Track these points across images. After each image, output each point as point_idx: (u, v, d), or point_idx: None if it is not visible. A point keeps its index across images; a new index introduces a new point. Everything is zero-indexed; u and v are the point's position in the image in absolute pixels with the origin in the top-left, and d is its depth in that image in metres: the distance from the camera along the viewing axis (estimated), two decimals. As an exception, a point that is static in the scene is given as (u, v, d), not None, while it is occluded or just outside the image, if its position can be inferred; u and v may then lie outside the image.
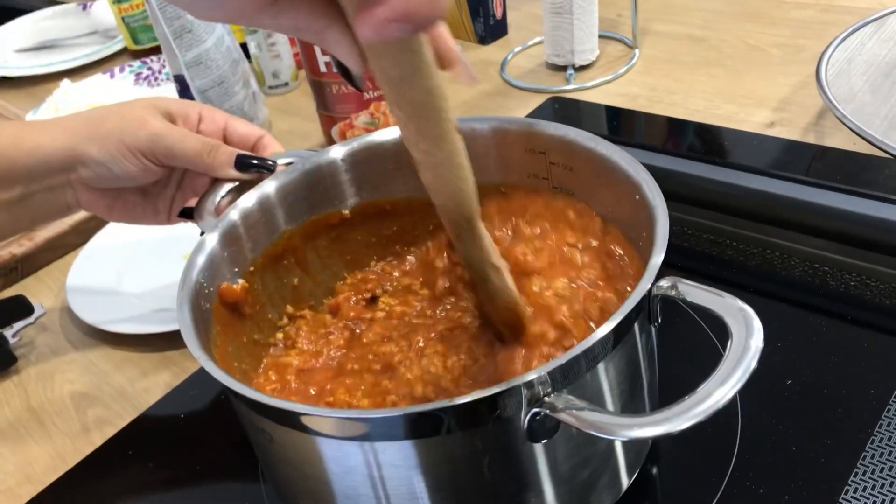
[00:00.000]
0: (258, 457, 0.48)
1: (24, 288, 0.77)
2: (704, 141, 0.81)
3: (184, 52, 0.83)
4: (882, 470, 0.46)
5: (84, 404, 0.64)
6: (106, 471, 0.57)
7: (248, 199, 0.52)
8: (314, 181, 0.55)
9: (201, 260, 0.47)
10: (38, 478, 0.58)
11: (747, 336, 0.37)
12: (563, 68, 0.96)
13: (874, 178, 0.70)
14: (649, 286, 0.40)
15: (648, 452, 0.49)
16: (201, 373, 0.63)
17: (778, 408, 0.51)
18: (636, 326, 0.41)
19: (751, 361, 0.36)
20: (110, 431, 0.60)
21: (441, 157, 0.37)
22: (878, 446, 0.48)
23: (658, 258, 0.41)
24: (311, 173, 0.54)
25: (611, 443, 0.44)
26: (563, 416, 0.36)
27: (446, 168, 0.38)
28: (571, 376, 0.38)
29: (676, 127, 0.83)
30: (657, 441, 0.50)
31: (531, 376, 0.36)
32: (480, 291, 0.46)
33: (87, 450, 0.59)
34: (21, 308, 0.67)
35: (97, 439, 0.60)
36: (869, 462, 0.47)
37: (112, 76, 1.16)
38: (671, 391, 0.46)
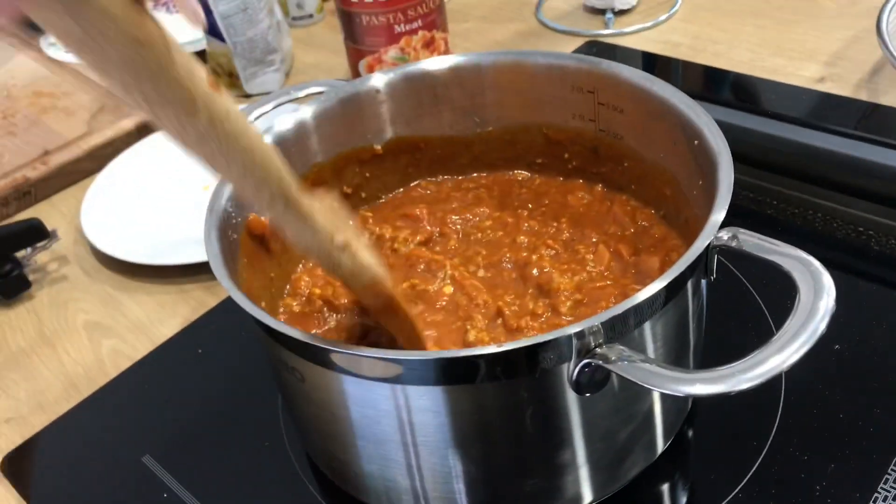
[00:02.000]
0: (283, 398, 0.46)
1: (38, 213, 0.75)
2: (748, 93, 0.77)
3: (208, -26, 0.79)
4: (933, 443, 0.44)
5: (98, 334, 0.62)
6: (120, 404, 0.56)
7: (284, 123, 0.49)
8: (350, 111, 0.52)
9: (230, 187, 0.44)
10: (50, 407, 0.56)
11: (816, 295, 0.34)
12: (602, 12, 0.92)
13: (930, 139, 0.66)
14: (710, 238, 0.37)
15: (686, 415, 0.47)
16: (220, 308, 0.60)
17: (824, 373, 0.49)
18: (690, 282, 0.39)
19: (819, 325, 0.33)
20: (125, 364, 0.58)
21: (203, 128, 0.31)
22: (929, 418, 0.46)
23: (721, 211, 0.38)
24: (349, 102, 0.51)
25: (652, 402, 0.42)
26: (616, 368, 0.34)
27: (214, 139, 0.31)
28: (622, 329, 0.36)
29: (718, 77, 0.79)
30: (697, 403, 0.48)
31: (581, 326, 0.34)
32: (342, 284, 0.41)
33: (101, 381, 0.57)
34: (36, 232, 0.65)
35: (111, 370, 0.58)
36: (919, 434, 0.45)
37: (130, 0, 1.11)
38: (715, 353, 0.44)
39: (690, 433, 0.48)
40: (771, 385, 0.48)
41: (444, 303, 0.48)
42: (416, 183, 0.58)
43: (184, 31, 0.99)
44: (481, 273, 0.50)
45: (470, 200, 0.57)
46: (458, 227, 0.54)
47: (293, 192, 0.35)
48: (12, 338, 0.63)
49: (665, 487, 0.46)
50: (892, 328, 0.52)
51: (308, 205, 0.35)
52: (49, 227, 0.66)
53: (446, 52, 0.81)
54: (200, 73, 0.30)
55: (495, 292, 0.48)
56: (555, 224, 0.53)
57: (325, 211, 0.36)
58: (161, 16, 1.09)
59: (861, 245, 0.59)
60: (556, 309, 0.45)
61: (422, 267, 0.51)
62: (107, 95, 0.87)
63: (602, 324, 0.34)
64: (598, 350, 0.34)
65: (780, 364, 0.33)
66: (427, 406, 0.37)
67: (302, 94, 0.52)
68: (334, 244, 0.37)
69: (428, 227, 0.54)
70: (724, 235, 0.38)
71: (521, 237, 0.52)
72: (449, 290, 0.49)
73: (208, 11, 0.82)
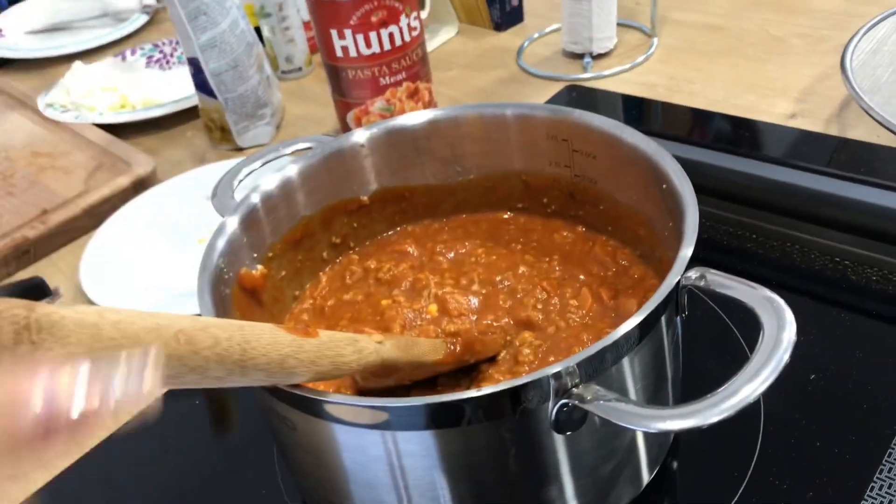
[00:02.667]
0: (278, 446, 0.48)
1: (38, 271, 0.76)
2: (723, 131, 0.80)
3: (198, 34, 0.82)
4: (908, 467, 0.46)
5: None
6: (117, 452, 0.57)
7: (270, 182, 0.51)
8: (335, 165, 0.54)
9: (221, 244, 0.46)
10: (49, 462, 0.57)
11: (779, 329, 0.36)
12: (581, 56, 0.95)
13: (898, 170, 0.69)
14: (678, 277, 0.39)
15: (669, 447, 0.49)
16: (216, 358, 0.62)
17: (801, 402, 0.51)
18: (663, 319, 0.41)
19: (783, 355, 0.35)
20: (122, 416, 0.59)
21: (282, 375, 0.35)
22: (904, 443, 0.47)
23: (688, 249, 0.40)
24: (332, 158, 0.54)
25: (634, 436, 0.43)
26: (591, 407, 0.35)
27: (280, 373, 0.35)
28: (598, 368, 0.38)
29: (695, 116, 0.82)
30: (679, 435, 0.49)
31: (558, 367, 0.36)
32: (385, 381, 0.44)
33: (102, 432, 0.58)
34: (39, 290, 0.67)
35: (110, 423, 0.59)
36: (895, 458, 0.46)
37: (123, 59, 1.15)
38: (694, 385, 0.45)
39: (674, 464, 0.49)
40: (750, 415, 0.50)
41: (426, 317, 0.50)
42: (402, 227, 0.60)
43: (177, 87, 1.02)
44: (475, 287, 0.52)
45: (459, 235, 0.59)
46: (450, 256, 0.56)
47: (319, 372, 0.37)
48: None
49: (652, 520, 0.47)
50: (867, 356, 0.53)
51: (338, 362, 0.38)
52: (50, 286, 0.68)
53: (431, 101, 0.84)
54: (283, 337, 0.34)
55: (482, 317, 0.50)
56: (547, 259, 0.55)
57: (337, 350, 0.38)
58: (154, 72, 1.12)
59: (838, 275, 0.61)
60: (516, 358, 0.47)
61: (405, 285, 0.53)
62: (102, 154, 0.90)
63: (578, 364, 0.36)
64: (574, 390, 0.36)
65: (748, 396, 0.34)
66: (416, 450, 0.39)
67: (289, 150, 0.54)
68: (353, 369, 0.39)
69: (416, 256, 0.56)
70: (693, 275, 0.40)
71: (523, 268, 0.54)
72: (433, 309, 0.51)
73: (199, 69, 0.85)
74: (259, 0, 0.98)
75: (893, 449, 0.47)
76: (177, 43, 1.14)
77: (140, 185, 0.84)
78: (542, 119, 0.53)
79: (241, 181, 0.53)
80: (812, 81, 0.83)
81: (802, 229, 0.66)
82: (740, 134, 0.78)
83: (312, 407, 0.38)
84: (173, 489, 0.53)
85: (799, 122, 0.77)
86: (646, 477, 0.46)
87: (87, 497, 0.54)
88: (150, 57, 1.15)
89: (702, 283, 0.40)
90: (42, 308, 0.24)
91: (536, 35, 1.03)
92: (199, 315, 0.41)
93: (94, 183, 0.85)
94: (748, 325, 0.56)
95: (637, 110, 0.85)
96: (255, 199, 0.50)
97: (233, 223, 0.48)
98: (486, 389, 0.36)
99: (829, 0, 0.98)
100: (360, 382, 0.45)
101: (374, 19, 0.75)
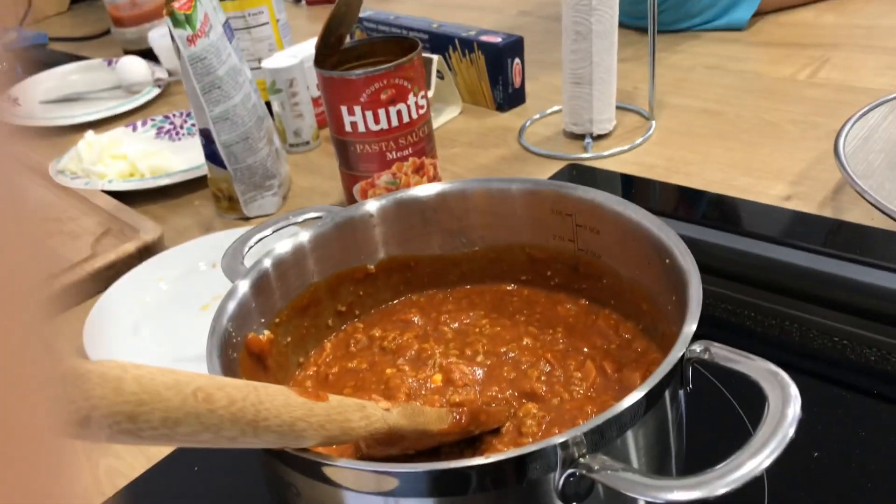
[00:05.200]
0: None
1: (39, 334, 0.77)
2: (721, 211, 0.82)
3: (211, 107, 0.85)
4: (914, 548, 0.45)
5: (96, 453, 0.63)
6: (115, 523, 0.56)
7: (283, 248, 0.52)
8: (345, 234, 0.55)
9: (232, 307, 0.47)
10: None
11: (784, 403, 0.37)
12: (581, 137, 0.98)
13: (892, 251, 0.70)
14: (683, 351, 0.40)
15: (673, 522, 0.48)
16: (216, 425, 0.62)
17: (805, 480, 0.50)
18: (668, 392, 0.41)
19: (788, 429, 0.35)
20: (121, 482, 0.59)
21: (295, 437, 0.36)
22: (909, 524, 0.47)
23: (693, 323, 0.41)
24: (343, 226, 0.55)
25: (638, 508, 0.43)
26: (599, 477, 0.35)
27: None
28: (604, 439, 0.38)
29: (692, 196, 0.84)
30: (683, 508, 0.49)
31: (566, 437, 0.36)
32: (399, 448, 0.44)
33: (97, 501, 0.58)
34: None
35: (108, 490, 0.59)
36: (900, 540, 0.46)
37: (134, 129, 1.18)
38: (697, 459, 0.45)
39: (678, 542, 0.49)
40: (754, 491, 0.50)
41: (430, 387, 0.50)
42: (407, 297, 0.61)
43: (186, 157, 1.05)
44: (480, 358, 0.53)
45: (464, 306, 0.59)
46: (455, 326, 0.57)
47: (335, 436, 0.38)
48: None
49: None
50: (869, 435, 0.53)
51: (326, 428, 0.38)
52: (51, 348, 0.68)
53: (436, 175, 0.86)
54: (295, 400, 0.35)
55: (487, 388, 0.50)
56: (550, 332, 0.55)
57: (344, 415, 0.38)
58: (164, 143, 1.15)
59: (837, 354, 0.61)
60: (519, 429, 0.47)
61: (410, 354, 0.53)
62: (110, 220, 0.91)
63: (584, 434, 0.36)
64: (581, 460, 0.36)
65: (753, 469, 0.34)
66: (420, 518, 0.38)
67: (300, 219, 0.56)
68: (360, 435, 0.39)
69: (421, 325, 0.57)
70: (697, 348, 0.41)
71: (527, 340, 0.54)
72: (438, 378, 0.51)
73: (211, 140, 0.87)
74: (270, 76, 1.01)
75: (899, 530, 0.47)
76: (187, 115, 1.17)
77: (146, 252, 0.85)
78: (548, 194, 0.55)
79: (250, 248, 0.54)
80: (806, 165, 0.85)
81: (801, 308, 0.67)
82: (737, 214, 0.80)
83: (318, 472, 0.38)
84: (168, 558, 0.52)
85: (794, 203, 0.79)
86: (649, 553, 0.46)
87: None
88: (160, 128, 1.18)
89: (706, 357, 0.40)
90: (69, 360, 0.25)
91: (538, 116, 1.06)
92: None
93: (101, 248, 0.86)
94: (751, 402, 0.56)
95: (636, 189, 0.88)
96: (268, 263, 0.51)
97: (244, 287, 0.49)
98: (494, 457, 0.36)
99: (819, 88, 1.02)
100: (365, 450, 0.44)
101: (383, 97, 0.78)
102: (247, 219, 0.92)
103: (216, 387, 0.30)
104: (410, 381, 0.51)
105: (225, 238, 0.83)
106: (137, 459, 0.61)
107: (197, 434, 0.29)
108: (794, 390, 0.37)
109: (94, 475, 0.60)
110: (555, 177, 0.91)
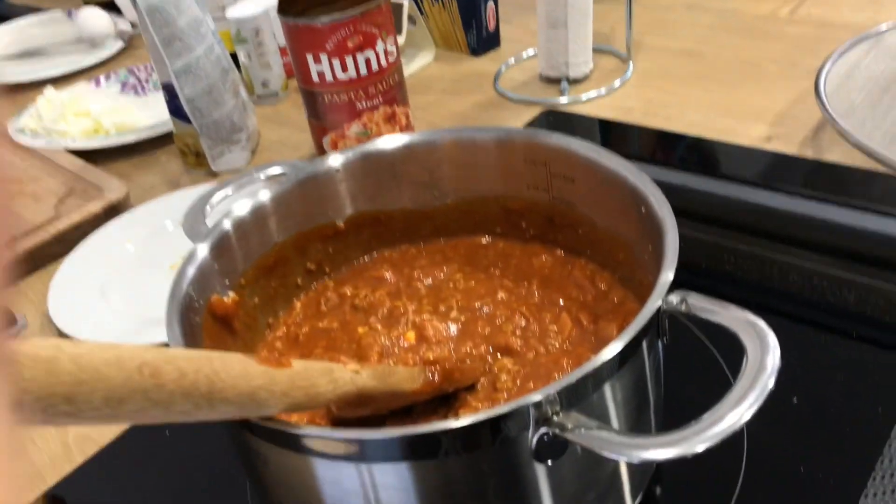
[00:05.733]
0: (250, 480, 0.46)
1: (4, 300, 0.74)
2: (700, 154, 0.80)
3: (173, 60, 0.81)
4: (893, 490, 0.45)
5: (65, 421, 0.61)
6: (87, 491, 0.55)
7: (242, 208, 0.50)
8: (309, 191, 0.53)
9: (191, 271, 0.45)
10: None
11: (763, 354, 0.35)
12: (557, 81, 0.95)
13: (873, 192, 0.69)
14: (659, 302, 0.39)
15: (653, 473, 0.48)
16: (188, 388, 0.60)
17: (784, 426, 0.50)
18: (644, 344, 0.40)
19: (768, 381, 0.34)
20: (92, 449, 0.58)
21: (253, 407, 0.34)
22: (888, 466, 0.46)
23: (669, 273, 0.39)
24: (307, 183, 0.53)
25: (617, 464, 0.42)
26: (573, 436, 0.34)
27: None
28: (579, 395, 0.37)
29: (671, 140, 0.82)
30: (662, 462, 0.48)
31: (538, 396, 0.35)
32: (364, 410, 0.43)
33: (68, 468, 0.56)
34: (4, 319, 0.65)
35: (78, 457, 0.57)
36: (879, 482, 0.46)
37: (98, 84, 1.14)
38: (676, 411, 0.45)
39: (658, 490, 0.48)
40: (733, 439, 0.49)
41: (403, 345, 0.49)
42: (379, 253, 0.59)
43: (152, 113, 1.01)
44: (454, 314, 0.51)
45: (437, 260, 0.58)
46: (428, 282, 0.55)
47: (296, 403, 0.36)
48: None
49: (637, 548, 0.46)
50: (848, 378, 0.53)
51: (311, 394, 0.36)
52: (17, 315, 0.66)
53: (408, 125, 0.83)
54: (254, 369, 0.33)
55: (461, 344, 0.49)
56: (526, 284, 0.54)
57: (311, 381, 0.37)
58: (129, 98, 1.11)
59: (817, 297, 0.61)
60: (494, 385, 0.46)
61: (383, 312, 0.52)
62: (74, 180, 0.88)
63: (558, 392, 0.35)
64: (555, 419, 0.35)
65: (733, 424, 0.34)
66: (392, 483, 0.37)
67: (263, 175, 0.53)
68: (328, 399, 0.38)
69: (393, 282, 0.55)
70: (674, 299, 0.39)
71: (502, 293, 0.53)
72: (411, 336, 0.50)
73: (174, 95, 0.84)
74: (235, 26, 0.97)
75: (877, 473, 0.46)
76: (152, 68, 1.13)
77: (112, 211, 0.83)
78: (521, 143, 0.53)
79: (213, 207, 0.52)
80: (787, 105, 0.84)
81: (780, 251, 0.66)
82: (716, 157, 0.78)
83: (285, 440, 0.37)
84: (142, 525, 0.51)
85: (774, 145, 0.78)
86: (629, 505, 0.45)
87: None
88: (124, 83, 1.14)
89: (683, 308, 0.39)
90: None
91: (513, 60, 1.03)
92: (167, 344, 0.39)
93: (65, 209, 0.83)
94: (730, 350, 0.56)
95: (614, 134, 0.86)
96: (227, 225, 0.49)
97: (203, 250, 0.47)
98: (464, 420, 0.34)
99: (800, 26, 1.00)
100: (336, 412, 0.43)
101: (350, 44, 0.75)
102: (215, 174, 0.89)
103: (164, 360, 0.28)
104: (383, 339, 0.50)
105: (192, 195, 0.80)
106: (108, 425, 0.60)
107: (145, 411, 0.28)
108: (772, 340, 0.36)
109: (64, 442, 0.59)
110: (531, 124, 0.88)
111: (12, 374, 0.22)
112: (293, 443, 0.37)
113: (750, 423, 0.50)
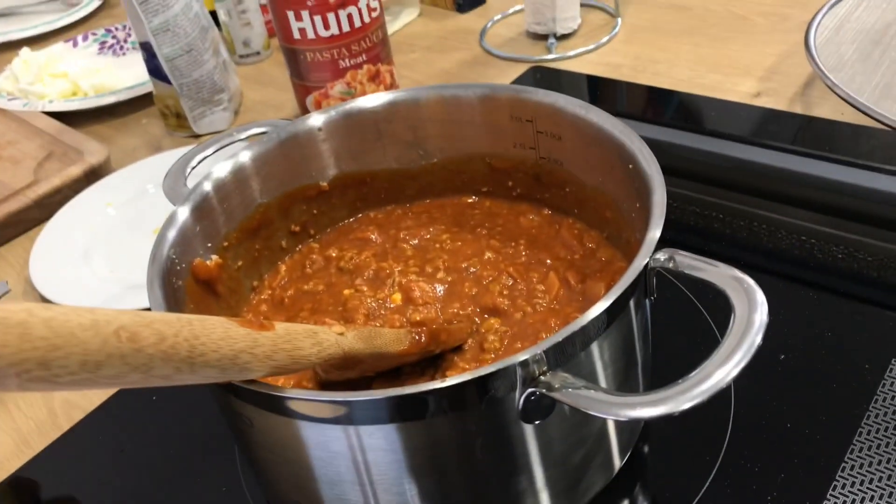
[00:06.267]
0: (237, 443, 0.46)
1: (-15, 266, 0.74)
2: (688, 111, 0.79)
3: (150, 17, 0.79)
4: (878, 446, 0.46)
5: (50, 387, 0.61)
6: (74, 457, 0.55)
7: (222, 170, 0.49)
8: (291, 151, 0.52)
9: (172, 234, 0.44)
10: (1, 465, 0.55)
11: (750, 310, 0.35)
12: (544, 37, 0.93)
13: (863, 147, 0.69)
14: (646, 260, 0.38)
15: (640, 432, 0.48)
16: (173, 353, 0.60)
17: (771, 384, 0.50)
18: (632, 302, 0.40)
19: (755, 338, 0.34)
20: (78, 415, 0.57)
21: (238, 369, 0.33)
22: (874, 422, 0.47)
23: (656, 231, 0.39)
24: (288, 143, 0.52)
25: (604, 423, 0.42)
26: (559, 396, 0.34)
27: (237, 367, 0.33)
28: (566, 355, 0.36)
29: (660, 96, 0.81)
30: (650, 420, 0.49)
31: (525, 356, 0.34)
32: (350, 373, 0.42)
33: (54, 434, 0.56)
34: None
35: (64, 423, 0.57)
36: (865, 438, 0.46)
37: (75, 45, 1.11)
38: (665, 370, 0.45)
39: (646, 449, 0.49)
40: (720, 398, 0.49)
41: (390, 306, 0.49)
42: (364, 214, 0.58)
43: (132, 74, 0.99)
44: (441, 275, 0.51)
45: (424, 221, 0.57)
46: (414, 242, 0.55)
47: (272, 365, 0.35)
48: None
49: (625, 505, 0.47)
50: (836, 335, 0.53)
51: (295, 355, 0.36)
52: (-3, 280, 0.65)
53: (392, 83, 0.82)
54: (236, 332, 0.32)
55: (448, 305, 0.49)
56: (513, 244, 0.53)
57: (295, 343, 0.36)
58: (108, 58, 1.08)
59: (805, 254, 0.61)
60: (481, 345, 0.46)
61: (369, 274, 0.51)
62: (53, 143, 0.86)
63: (545, 352, 0.35)
64: (542, 378, 0.35)
65: (720, 381, 0.33)
66: (379, 444, 0.37)
67: (244, 135, 0.52)
68: (312, 362, 0.37)
69: (379, 243, 0.55)
70: (662, 257, 0.39)
71: (489, 254, 0.53)
72: (397, 298, 0.49)
73: (152, 54, 0.82)
74: (214, -18, 0.95)
75: (863, 429, 0.46)
76: (130, 28, 1.11)
77: (93, 175, 0.81)
78: (506, 99, 0.52)
79: (193, 168, 0.51)
80: (776, 60, 0.82)
81: (769, 208, 0.66)
82: (705, 113, 0.77)
83: (270, 403, 0.36)
84: (130, 492, 0.51)
85: (764, 100, 0.77)
86: (617, 463, 0.45)
87: (43, 493, 0.52)
88: (102, 42, 1.12)
89: (670, 265, 0.39)
90: None
91: (499, 16, 1.01)
92: (149, 309, 0.39)
93: (45, 173, 0.81)
94: (718, 308, 0.56)
95: (602, 91, 0.84)
96: (208, 186, 0.48)
97: (184, 212, 0.46)
98: (451, 380, 0.34)
99: (791, -22, 0.98)
100: (322, 375, 0.43)
101: (331, 0, 0.73)
102: (197, 136, 0.88)
103: (143, 324, 0.28)
104: (369, 301, 0.50)
105: (174, 158, 0.78)
106: (94, 391, 0.59)
107: (124, 375, 0.27)
108: (760, 296, 0.36)
109: (50, 408, 0.59)
110: (518, 80, 0.87)
111: None
112: (279, 406, 0.36)
113: (737, 381, 0.50)
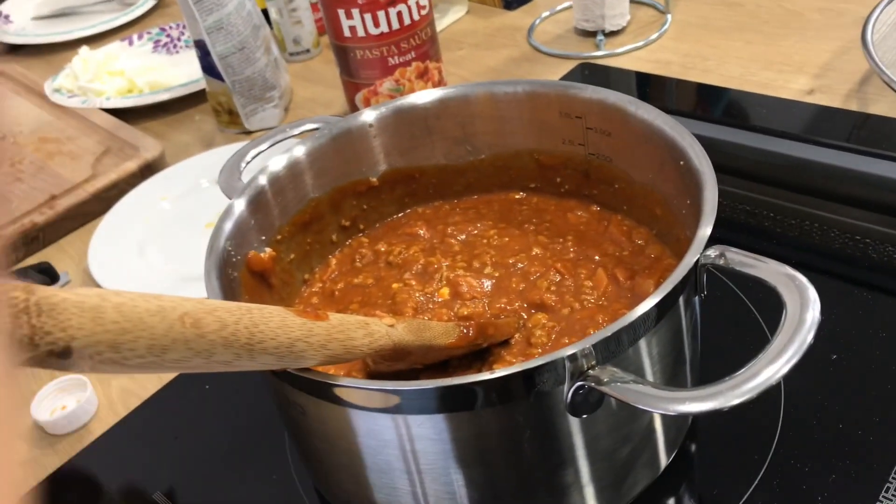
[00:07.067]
0: (288, 431, 0.47)
1: (46, 257, 0.76)
2: (739, 108, 0.78)
3: (204, 16, 0.81)
4: (934, 449, 0.45)
5: (107, 375, 0.63)
6: (130, 442, 0.56)
7: (277, 164, 0.50)
8: (343, 146, 0.53)
9: (229, 226, 0.45)
10: (63, 448, 0.57)
11: (802, 308, 0.35)
12: (593, 34, 0.93)
13: (920, 146, 0.67)
14: (697, 257, 0.38)
15: (688, 429, 0.48)
16: (226, 343, 0.61)
17: (823, 383, 0.49)
18: (682, 299, 0.40)
19: (807, 335, 0.34)
20: (134, 402, 0.59)
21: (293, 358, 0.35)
22: (929, 424, 0.46)
23: (707, 227, 0.39)
24: (340, 138, 0.53)
25: (651, 419, 0.42)
26: (608, 389, 0.34)
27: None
28: (614, 350, 0.36)
29: (710, 94, 0.80)
30: (697, 417, 0.48)
31: (573, 349, 0.35)
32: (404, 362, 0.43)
33: (112, 420, 0.58)
34: (46, 275, 0.66)
35: (121, 410, 0.59)
36: (920, 441, 0.45)
37: (130, 43, 1.14)
38: (713, 368, 0.44)
39: (693, 447, 0.48)
40: (770, 396, 0.49)
41: (438, 300, 0.49)
42: (412, 209, 0.59)
43: (185, 71, 1.01)
44: (488, 270, 0.51)
45: (471, 216, 0.57)
46: (462, 238, 0.55)
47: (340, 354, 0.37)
48: (23, 381, 0.64)
49: (671, 503, 0.46)
50: (890, 336, 0.52)
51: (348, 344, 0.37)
52: (59, 271, 0.68)
53: (441, 81, 0.83)
54: (293, 321, 0.33)
55: (495, 300, 0.49)
56: (561, 240, 0.54)
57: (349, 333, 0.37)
58: (162, 57, 1.11)
59: (859, 254, 0.60)
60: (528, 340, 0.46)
61: (417, 268, 0.52)
62: (110, 139, 0.89)
63: (594, 346, 0.35)
64: (590, 372, 0.35)
65: (770, 378, 0.33)
66: (428, 434, 0.38)
67: (297, 131, 0.53)
68: (363, 352, 0.38)
69: (427, 238, 0.55)
70: (712, 253, 0.39)
71: (536, 249, 0.53)
72: (445, 292, 0.50)
73: (206, 52, 0.84)
74: (265, -19, 0.96)
75: (918, 431, 0.46)
76: (184, 27, 1.13)
77: (148, 170, 0.84)
78: (555, 96, 0.52)
79: (248, 163, 0.52)
80: (831, 56, 0.81)
81: (822, 207, 0.65)
82: (757, 111, 0.76)
83: (323, 391, 0.37)
84: (182, 478, 0.53)
85: (817, 97, 0.75)
86: (664, 460, 0.45)
87: (100, 476, 0.54)
88: (157, 41, 1.14)
89: (721, 262, 0.38)
90: (42, 290, 0.23)
91: (547, 13, 1.01)
92: (207, 298, 0.40)
93: (102, 168, 0.84)
94: (768, 306, 0.55)
95: (651, 88, 0.84)
96: (263, 180, 0.49)
97: (240, 205, 0.47)
98: (500, 372, 0.35)
99: (847, -27, 0.96)
100: (372, 366, 0.44)
101: (382, -2, 0.74)
102: (249, 132, 0.89)
103: (206, 311, 0.29)
104: (417, 295, 0.50)
105: (226, 153, 0.80)
106: (149, 379, 0.61)
107: (187, 360, 0.28)
108: (812, 294, 0.35)
109: (108, 395, 0.61)
110: (566, 78, 0.87)
111: (58, 322, 0.22)
112: (331, 394, 0.37)
113: (788, 381, 0.50)
